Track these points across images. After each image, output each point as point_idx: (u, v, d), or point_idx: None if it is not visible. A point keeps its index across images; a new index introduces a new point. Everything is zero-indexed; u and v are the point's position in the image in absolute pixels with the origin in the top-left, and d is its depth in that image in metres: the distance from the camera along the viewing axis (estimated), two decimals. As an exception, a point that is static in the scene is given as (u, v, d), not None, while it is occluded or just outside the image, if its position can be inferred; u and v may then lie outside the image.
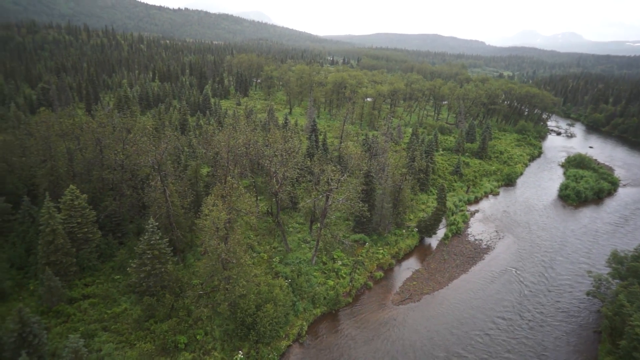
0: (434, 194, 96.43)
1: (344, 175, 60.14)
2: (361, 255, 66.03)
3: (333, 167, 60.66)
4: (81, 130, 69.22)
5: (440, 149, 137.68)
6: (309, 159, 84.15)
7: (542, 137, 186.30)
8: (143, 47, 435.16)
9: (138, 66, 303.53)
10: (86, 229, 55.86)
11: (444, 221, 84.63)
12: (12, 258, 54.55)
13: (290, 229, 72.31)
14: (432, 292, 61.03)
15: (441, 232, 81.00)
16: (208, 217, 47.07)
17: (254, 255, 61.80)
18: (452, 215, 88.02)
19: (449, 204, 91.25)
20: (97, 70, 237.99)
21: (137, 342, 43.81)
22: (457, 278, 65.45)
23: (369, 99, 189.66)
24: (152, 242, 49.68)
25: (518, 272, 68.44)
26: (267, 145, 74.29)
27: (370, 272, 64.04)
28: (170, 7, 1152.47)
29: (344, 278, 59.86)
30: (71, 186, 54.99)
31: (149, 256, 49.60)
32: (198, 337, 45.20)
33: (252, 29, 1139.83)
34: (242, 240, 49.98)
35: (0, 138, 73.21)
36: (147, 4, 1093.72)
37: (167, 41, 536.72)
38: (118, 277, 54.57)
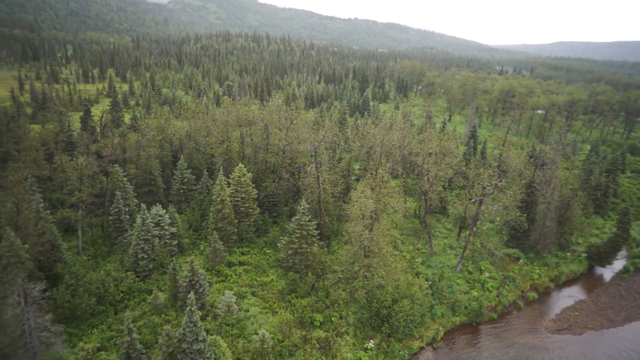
0: (612, 219, 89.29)
1: (502, 181, 59.35)
2: (513, 271, 65.59)
3: (490, 172, 60.67)
4: (253, 118, 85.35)
5: (629, 171, 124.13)
6: (464, 163, 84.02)
7: None
8: (313, 53, 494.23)
9: (307, 69, 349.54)
10: (248, 204, 69.31)
11: (623, 251, 77.36)
12: (191, 221, 71.95)
13: (437, 233, 74.71)
14: (599, 329, 56.58)
15: (619, 263, 74.49)
16: (356, 203, 53.37)
17: (396, 253, 65.74)
18: (638, 247, 79.64)
19: (634, 232, 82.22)
20: (272, 71, 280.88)
21: (279, 311, 52.82)
22: (637, 320, 58.72)
23: (539, 111, 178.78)
24: (302, 223, 58.80)
25: None
26: (421, 143, 77.46)
27: (522, 291, 63.34)
28: (341, 17, 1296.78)
29: (490, 291, 60.34)
30: (240, 165, 69.07)
31: (297, 235, 58.86)
32: (333, 318, 51.62)
33: (417, 38, 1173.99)
34: (387, 231, 54.54)
35: (192, 123, 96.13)
36: (320, 15, 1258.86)
37: (335, 48, 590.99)
38: (269, 251, 66.09)
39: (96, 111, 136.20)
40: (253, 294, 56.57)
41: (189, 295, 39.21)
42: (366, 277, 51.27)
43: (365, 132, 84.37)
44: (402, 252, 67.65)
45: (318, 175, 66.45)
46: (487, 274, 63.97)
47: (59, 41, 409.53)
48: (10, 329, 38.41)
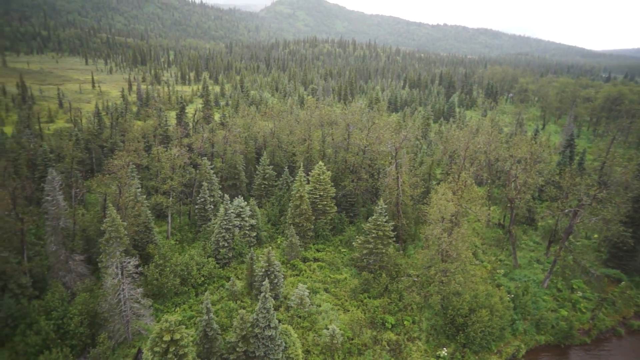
0: None
1: (602, 191, 53.84)
2: (612, 294, 59.10)
3: (589, 181, 55.44)
4: (335, 118, 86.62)
5: None
6: (557, 172, 77.41)
7: None
8: (398, 59, 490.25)
9: (391, 75, 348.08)
10: (325, 202, 70.32)
11: None
12: (270, 215, 74.70)
13: (523, 245, 69.81)
14: None
15: None
16: (435, 205, 51.87)
17: (476, 262, 62.54)
18: None
19: None
20: (356, 76, 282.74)
21: (350, 309, 52.81)
22: None
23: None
24: (378, 223, 58.36)
25: None
26: (510, 148, 73.09)
27: (624, 317, 56.99)
28: (429, 23, 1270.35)
29: (583, 313, 55.15)
30: (320, 162, 70.35)
31: (373, 235, 58.48)
32: (405, 322, 50.44)
33: (511, 43, 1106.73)
34: (467, 237, 52.20)
35: (277, 121, 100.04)
36: (407, 21, 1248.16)
37: (422, 54, 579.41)
38: (344, 250, 66.41)
39: (190, 110, 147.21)
40: (326, 290, 57.18)
41: (263, 283, 40.76)
42: (442, 283, 49.44)
43: (449, 135, 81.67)
44: (482, 261, 64.24)
45: (398, 177, 65.56)
46: (579, 294, 58.35)
47: (163, 47, 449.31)
48: (109, 296, 42.82)
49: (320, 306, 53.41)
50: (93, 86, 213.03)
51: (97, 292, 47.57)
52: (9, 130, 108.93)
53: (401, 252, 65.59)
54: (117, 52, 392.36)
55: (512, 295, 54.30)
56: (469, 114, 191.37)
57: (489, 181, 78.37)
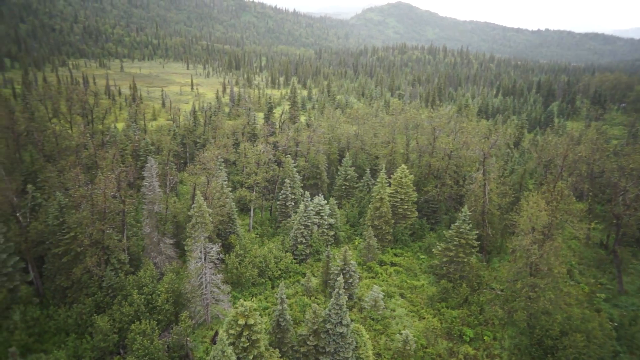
0: None
1: None
2: None
3: None
4: (421, 121, 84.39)
5: None
6: None
7: None
8: (492, 66, 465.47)
9: (484, 82, 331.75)
10: (406, 207, 68.53)
11: None
12: (349, 216, 74.56)
13: (631, 270, 61.60)
14: None
15: None
16: (525, 213, 48.11)
17: (571, 282, 56.68)
18: None
19: None
20: (445, 83, 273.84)
21: (426, 317, 50.72)
22: None
23: None
24: (461, 230, 55.49)
25: None
26: (619, 159, 65.43)
27: None
28: (529, 28, 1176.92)
29: None
30: (403, 166, 68.81)
31: (455, 243, 55.71)
32: (485, 337, 47.18)
33: (627, 49, 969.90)
34: (561, 252, 47.57)
35: (361, 123, 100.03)
36: (504, 27, 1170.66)
37: (518, 62, 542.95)
38: (423, 256, 64.12)
39: (277, 111, 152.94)
40: (401, 295, 55.58)
41: (338, 279, 40.57)
42: (530, 298, 45.45)
43: (545, 143, 75.52)
44: (579, 282, 58.09)
45: (485, 184, 61.95)
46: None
47: (257, 54, 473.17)
48: (192, 278, 45.50)
49: (394, 311, 52.02)
50: (192, 88, 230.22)
51: (183, 274, 50.84)
52: (120, 125, 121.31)
53: (484, 263, 61.68)
54: (215, 58, 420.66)
55: (616, 324, 48.19)
56: (569, 124, 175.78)
57: (590, 194, 70.90)
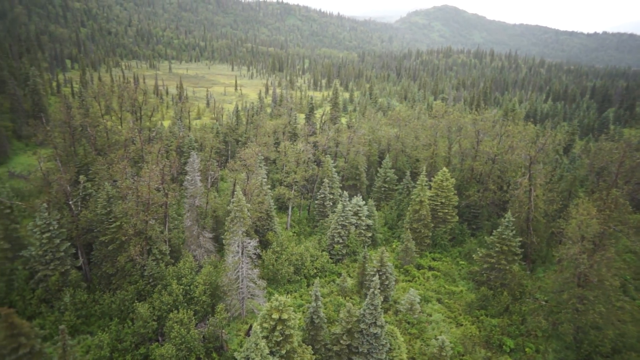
0: None
1: None
2: None
3: None
4: (464, 123, 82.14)
5: None
6: None
7: None
8: (542, 71, 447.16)
9: (532, 87, 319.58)
10: (446, 211, 66.82)
11: None
12: (387, 218, 73.64)
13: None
14: None
15: None
16: (574, 220, 45.75)
17: (625, 298, 53.14)
18: None
19: None
20: (491, 87, 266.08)
21: (464, 323, 49.20)
22: None
23: None
24: (504, 237, 53.44)
25: None
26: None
27: None
28: (584, 32, 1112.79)
29: None
30: (444, 169, 67.18)
31: (497, 249, 53.73)
32: (527, 349, 45.13)
33: None
34: (614, 263, 44.77)
35: (402, 125, 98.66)
36: (557, 30, 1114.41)
37: (571, 66, 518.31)
38: (462, 262, 62.27)
39: (318, 114, 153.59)
40: (439, 300, 54.20)
41: (373, 279, 40.03)
42: (577, 311, 43.05)
43: (598, 149, 71.61)
44: (634, 299, 54.42)
45: (530, 189, 59.46)
46: None
47: (300, 56, 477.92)
48: (229, 272, 46.28)
49: (431, 315, 50.80)
50: (235, 89, 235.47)
51: (220, 267, 51.79)
52: (166, 123, 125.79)
53: (528, 272, 59.10)
54: (259, 60, 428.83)
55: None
56: (626, 132, 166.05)
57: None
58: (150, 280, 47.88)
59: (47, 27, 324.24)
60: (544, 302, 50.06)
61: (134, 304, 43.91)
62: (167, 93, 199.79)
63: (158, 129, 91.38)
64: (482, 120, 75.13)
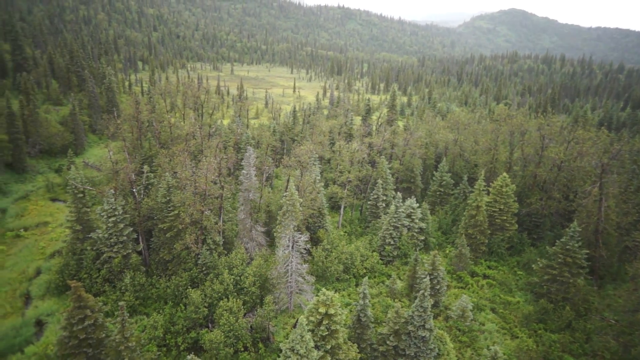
0: None
1: None
2: None
3: None
4: (528, 127, 78.10)
5: None
6: None
7: None
8: (621, 77, 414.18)
9: (608, 94, 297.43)
10: (505, 218, 63.69)
11: None
12: (441, 223, 71.44)
13: None
14: None
15: None
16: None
17: None
18: None
19: None
20: (560, 93, 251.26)
21: (520, 336, 46.54)
22: None
23: None
24: (568, 248, 50.03)
25: None
26: None
27: None
28: None
29: None
30: (504, 174, 64.15)
31: (560, 261, 50.40)
32: (591, 369, 41.99)
33: None
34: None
35: (461, 128, 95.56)
36: None
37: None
38: (520, 272, 58.99)
39: (375, 116, 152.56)
40: (493, 310, 51.71)
41: (424, 280, 38.91)
42: (651, 332, 39.39)
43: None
44: None
45: (601, 199, 55.29)
46: None
47: (359, 60, 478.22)
48: (279, 265, 46.85)
49: (484, 325, 48.59)
50: (294, 91, 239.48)
51: (270, 260, 52.60)
52: (226, 122, 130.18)
53: (595, 287, 54.85)
54: (318, 63, 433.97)
55: None
56: None
57: None
58: (204, 269, 49.50)
59: (123, 31, 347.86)
60: (613, 321, 46.20)
61: (187, 290, 45.58)
62: (228, 93, 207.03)
63: (218, 126, 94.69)
64: (549, 125, 71.01)
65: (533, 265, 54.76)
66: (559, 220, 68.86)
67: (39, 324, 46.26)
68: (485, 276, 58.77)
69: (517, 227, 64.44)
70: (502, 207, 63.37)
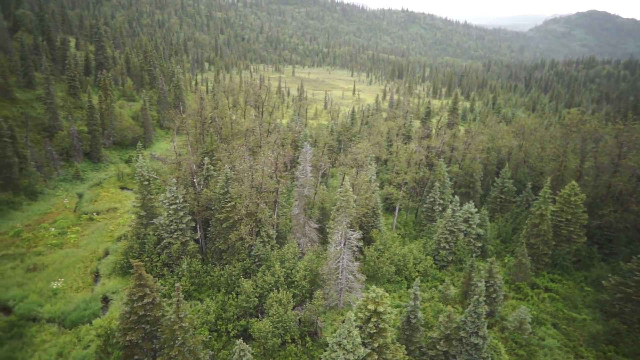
0: None
1: None
2: None
3: None
4: (603, 133, 72.71)
5: None
6: None
7: None
8: None
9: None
10: (572, 229, 59.51)
11: None
12: (501, 231, 68.07)
13: None
14: None
15: None
16: None
17: None
18: None
19: None
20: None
21: (585, 356, 43.26)
22: None
23: None
24: (644, 264, 45.97)
25: None
26: None
27: None
28: None
29: None
30: (573, 182, 60.05)
31: (636, 278, 46.35)
32: (665, 398, 38.11)
33: None
34: None
35: (527, 134, 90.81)
36: None
37: None
38: (588, 289, 54.80)
39: (435, 119, 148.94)
40: (554, 325, 48.44)
41: (479, 284, 37.22)
42: None
43: None
44: None
45: (686, 213, 50.24)
46: None
47: (421, 64, 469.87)
48: (330, 261, 46.78)
49: (543, 340, 45.61)
50: (353, 93, 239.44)
51: (322, 257, 52.67)
52: (285, 121, 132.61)
53: (675, 310, 49.85)
54: (379, 67, 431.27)
55: None
56: None
57: None
58: (256, 260, 50.50)
59: (193, 33, 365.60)
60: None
61: (240, 280, 46.65)
62: (288, 94, 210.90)
63: (277, 124, 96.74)
64: (628, 132, 65.70)
65: (604, 282, 50.75)
66: (636, 236, 63.36)
67: (105, 300, 49.41)
68: (547, 289, 55.23)
69: (585, 240, 60.00)
70: (569, 217, 59.33)
